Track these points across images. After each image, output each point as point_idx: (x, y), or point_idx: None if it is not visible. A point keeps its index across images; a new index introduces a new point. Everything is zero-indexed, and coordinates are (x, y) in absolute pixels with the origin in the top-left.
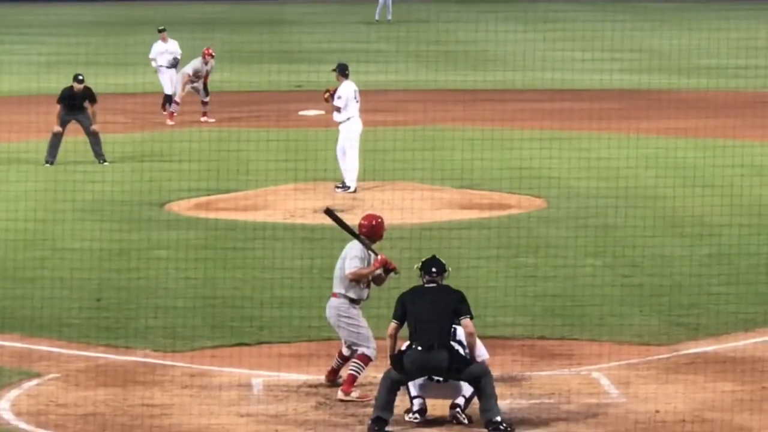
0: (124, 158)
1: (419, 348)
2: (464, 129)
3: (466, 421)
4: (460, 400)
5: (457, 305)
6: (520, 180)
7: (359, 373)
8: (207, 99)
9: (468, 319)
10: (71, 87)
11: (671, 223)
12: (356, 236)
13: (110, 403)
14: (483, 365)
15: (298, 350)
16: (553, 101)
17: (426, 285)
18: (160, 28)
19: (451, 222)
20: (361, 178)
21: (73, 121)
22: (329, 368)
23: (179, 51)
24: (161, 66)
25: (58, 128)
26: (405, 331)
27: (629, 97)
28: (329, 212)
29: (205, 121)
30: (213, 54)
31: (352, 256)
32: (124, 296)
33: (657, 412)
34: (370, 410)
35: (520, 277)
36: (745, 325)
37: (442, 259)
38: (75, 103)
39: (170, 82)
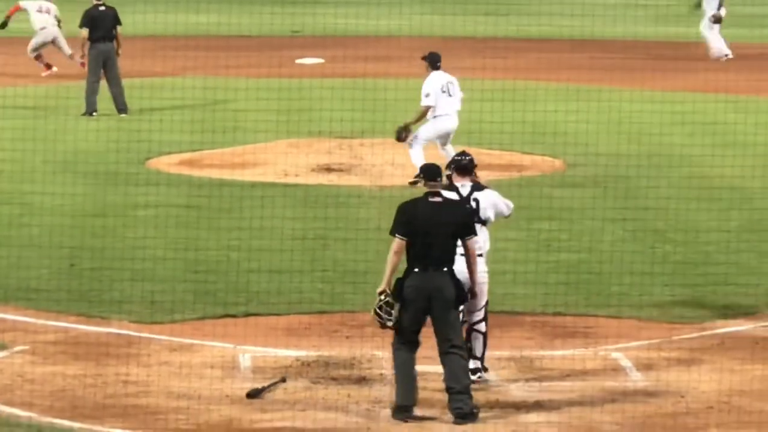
0: (102, 108)
1: (416, 270)
2: (474, 80)
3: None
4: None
5: (464, 222)
6: (534, 136)
7: None
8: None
9: (474, 240)
10: (96, 7)
11: (701, 188)
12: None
13: (82, 379)
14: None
15: (289, 323)
16: (574, 52)
17: (429, 199)
18: None
19: None
20: (361, 134)
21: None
22: None
23: None
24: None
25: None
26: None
27: (657, 47)
28: None
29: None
30: None
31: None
32: (100, 261)
33: (682, 397)
34: (369, 392)
35: (534, 245)
36: None
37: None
38: (104, 26)
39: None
